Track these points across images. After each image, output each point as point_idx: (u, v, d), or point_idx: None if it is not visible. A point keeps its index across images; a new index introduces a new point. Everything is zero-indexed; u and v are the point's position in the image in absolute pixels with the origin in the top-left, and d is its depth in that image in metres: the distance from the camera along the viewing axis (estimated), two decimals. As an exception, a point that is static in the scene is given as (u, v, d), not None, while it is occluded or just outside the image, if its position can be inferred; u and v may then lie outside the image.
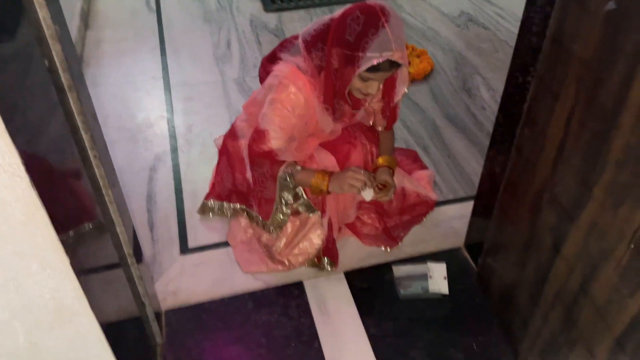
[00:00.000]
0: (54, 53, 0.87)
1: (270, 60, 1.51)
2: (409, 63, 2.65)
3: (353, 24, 1.27)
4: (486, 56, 2.85)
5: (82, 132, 0.97)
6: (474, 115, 2.41)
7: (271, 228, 1.64)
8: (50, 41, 0.86)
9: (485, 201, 1.57)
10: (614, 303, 1.02)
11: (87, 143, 0.99)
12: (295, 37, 1.46)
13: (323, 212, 1.61)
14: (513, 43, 1.31)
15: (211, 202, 1.83)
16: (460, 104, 2.48)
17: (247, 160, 1.61)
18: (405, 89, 1.47)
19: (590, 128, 1.02)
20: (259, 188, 1.57)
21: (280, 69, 1.44)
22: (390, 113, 1.61)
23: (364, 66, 1.27)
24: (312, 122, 1.50)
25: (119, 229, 1.16)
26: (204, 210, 1.86)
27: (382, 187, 1.53)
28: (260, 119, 1.46)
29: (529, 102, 1.22)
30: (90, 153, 1.01)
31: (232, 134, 1.73)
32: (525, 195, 1.28)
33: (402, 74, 1.45)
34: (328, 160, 1.59)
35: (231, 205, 1.79)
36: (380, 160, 1.59)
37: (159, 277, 1.67)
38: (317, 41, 1.37)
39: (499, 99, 1.44)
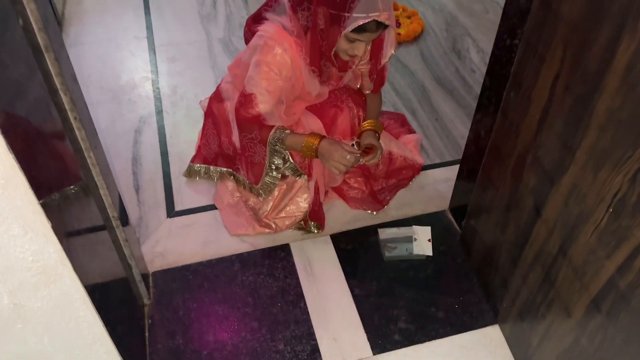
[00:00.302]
0: (28, 11, 0.84)
1: (256, 19, 1.48)
2: (399, 24, 2.60)
3: (339, -17, 1.23)
4: (477, 17, 2.81)
5: (61, 94, 0.95)
6: (463, 78, 2.39)
7: (259, 192, 1.64)
8: (24, -1, 0.83)
9: (471, 164, 1.58)
10: (591, 264, 1.04)
11: (66, 105, 0.97)
12: (281, -4, 1.43)
13: (310, 175, 1.61)
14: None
15: (197, 166, 1.82)
16: (449, 67, 2.46)
17: (233, 124, 1.60)
18: (393, 51, 1.45)
19: (575, 91, 1.01)
20: (247, 153, 1.56)
21: (265, 29, 1.41)
22: (377, 76, 1.59)
23: (350, 27, 1.25)
24: (298, 84, 1.48)
25: (103, 192, 1.15)
26: (190, 173, 1.85)
27: (368, 151, 1.53)
28: (247, 82, 1.44)
29: (516, 64, 1.21)
30: (70, 115, 0.99)
31: (217, 96, 1.71)
32: (509, 158, 1.28)
33: (390, 36, 1.42)
34: (315, 125, 1.58)
35: (217, 168, 1.78)
36: (366, 124, 1.58)
37: (145, 240, 1.68)
38: (303, 0, 1.33)
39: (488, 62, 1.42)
